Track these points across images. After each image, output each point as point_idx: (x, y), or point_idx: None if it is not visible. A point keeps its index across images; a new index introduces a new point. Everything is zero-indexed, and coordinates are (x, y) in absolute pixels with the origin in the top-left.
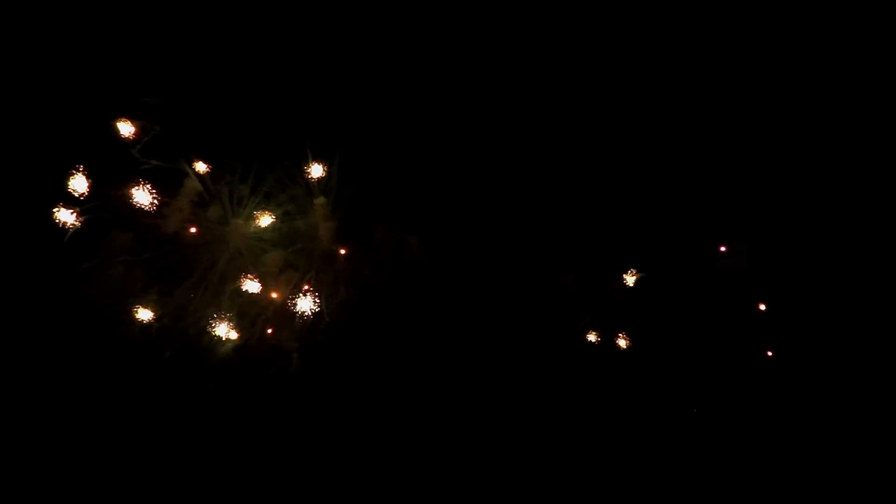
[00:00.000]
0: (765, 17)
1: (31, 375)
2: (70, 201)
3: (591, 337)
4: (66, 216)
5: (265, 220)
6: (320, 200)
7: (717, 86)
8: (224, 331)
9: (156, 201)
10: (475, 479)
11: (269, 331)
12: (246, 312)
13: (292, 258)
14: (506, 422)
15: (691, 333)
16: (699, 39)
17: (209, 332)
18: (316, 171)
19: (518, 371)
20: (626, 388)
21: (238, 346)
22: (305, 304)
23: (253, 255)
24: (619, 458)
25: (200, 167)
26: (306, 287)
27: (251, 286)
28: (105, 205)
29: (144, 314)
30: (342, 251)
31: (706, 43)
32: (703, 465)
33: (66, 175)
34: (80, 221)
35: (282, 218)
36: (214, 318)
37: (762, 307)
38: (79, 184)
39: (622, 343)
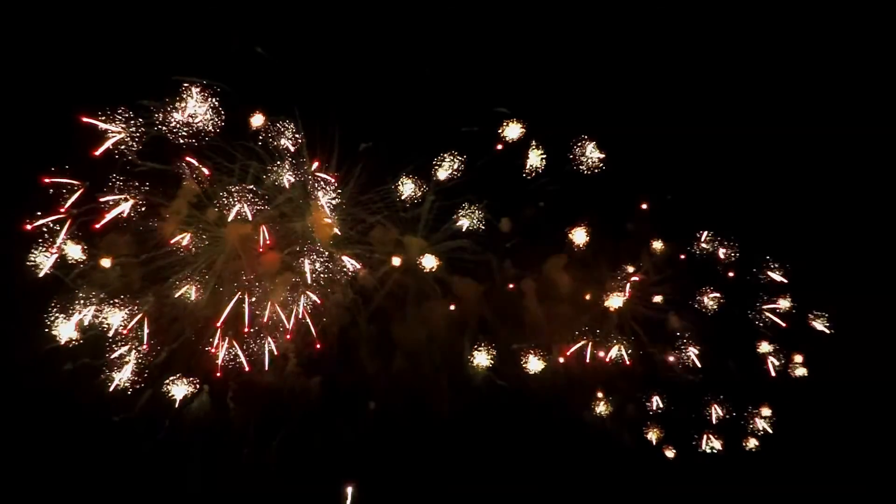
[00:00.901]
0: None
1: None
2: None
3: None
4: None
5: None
6: (318, 202)
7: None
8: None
9: (153, 203)
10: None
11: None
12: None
13: (289, 260)
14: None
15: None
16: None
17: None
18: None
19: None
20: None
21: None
22: (302, 307)
23: (250, 257)
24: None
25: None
26: (303, 290)
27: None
28: (102, 207)
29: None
30: (340, 253)
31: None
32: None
33: (63, 176)
34: (71, 228)
35: (279, 220)
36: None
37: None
38: (74, 186)
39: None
